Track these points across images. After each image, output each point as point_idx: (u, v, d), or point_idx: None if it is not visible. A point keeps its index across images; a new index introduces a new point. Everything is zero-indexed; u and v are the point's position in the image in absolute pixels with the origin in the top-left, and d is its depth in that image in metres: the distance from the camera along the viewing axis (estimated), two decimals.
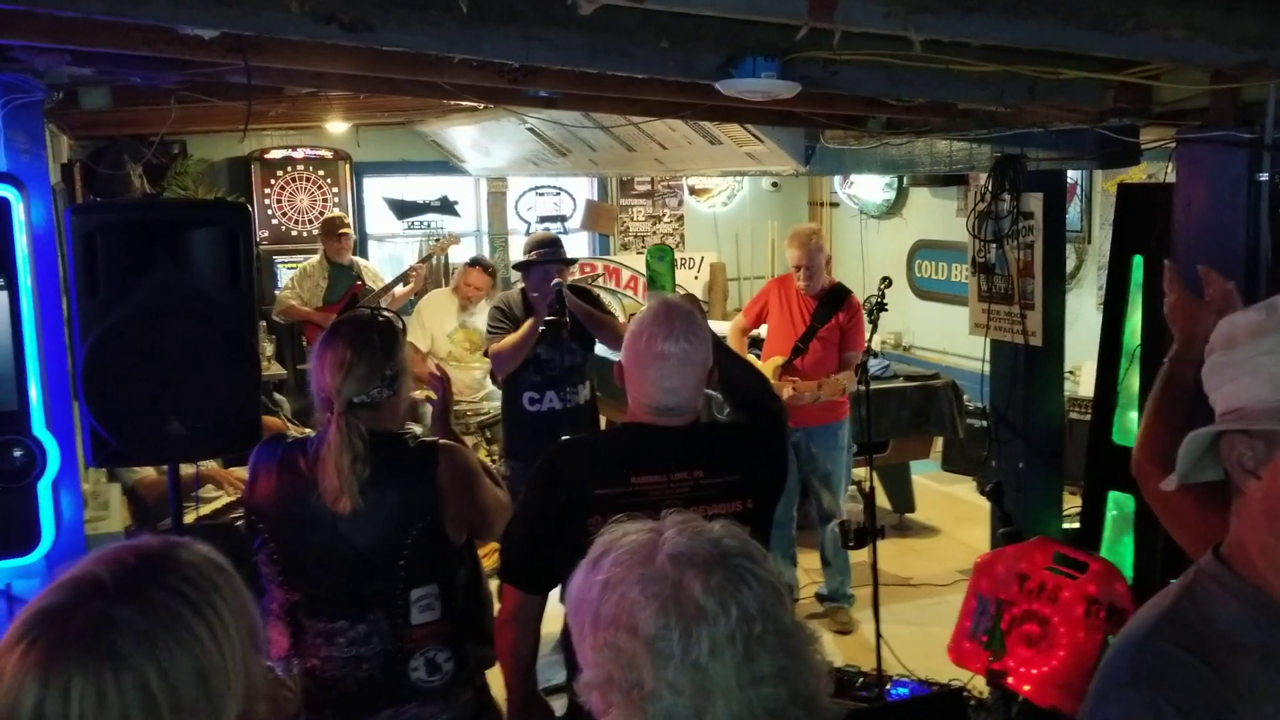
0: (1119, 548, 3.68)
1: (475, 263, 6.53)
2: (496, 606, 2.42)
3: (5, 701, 0.99)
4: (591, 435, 2.43)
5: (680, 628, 1.10)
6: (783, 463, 2.39)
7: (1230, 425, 1.28)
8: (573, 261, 5.08)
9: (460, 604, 2.42)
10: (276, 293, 6.99)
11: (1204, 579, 1.30)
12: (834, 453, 5.00)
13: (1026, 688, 3.16)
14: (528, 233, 9.12)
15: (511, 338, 4.37)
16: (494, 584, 2.55)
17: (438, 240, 7.55)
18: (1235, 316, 1.33)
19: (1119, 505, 3.70)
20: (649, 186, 9.53)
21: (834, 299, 4.95)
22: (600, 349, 4.66)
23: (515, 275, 4.77)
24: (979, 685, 3.91)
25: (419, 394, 6.05)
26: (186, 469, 3.21)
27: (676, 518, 1.22)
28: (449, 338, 6.45)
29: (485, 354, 4.60)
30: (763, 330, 5.28)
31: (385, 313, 2.51)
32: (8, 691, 0.99)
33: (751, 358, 5.13)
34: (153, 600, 1.03)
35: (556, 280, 4.47)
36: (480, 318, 6.57)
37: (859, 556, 4.71)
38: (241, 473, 4.35)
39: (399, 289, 6.84)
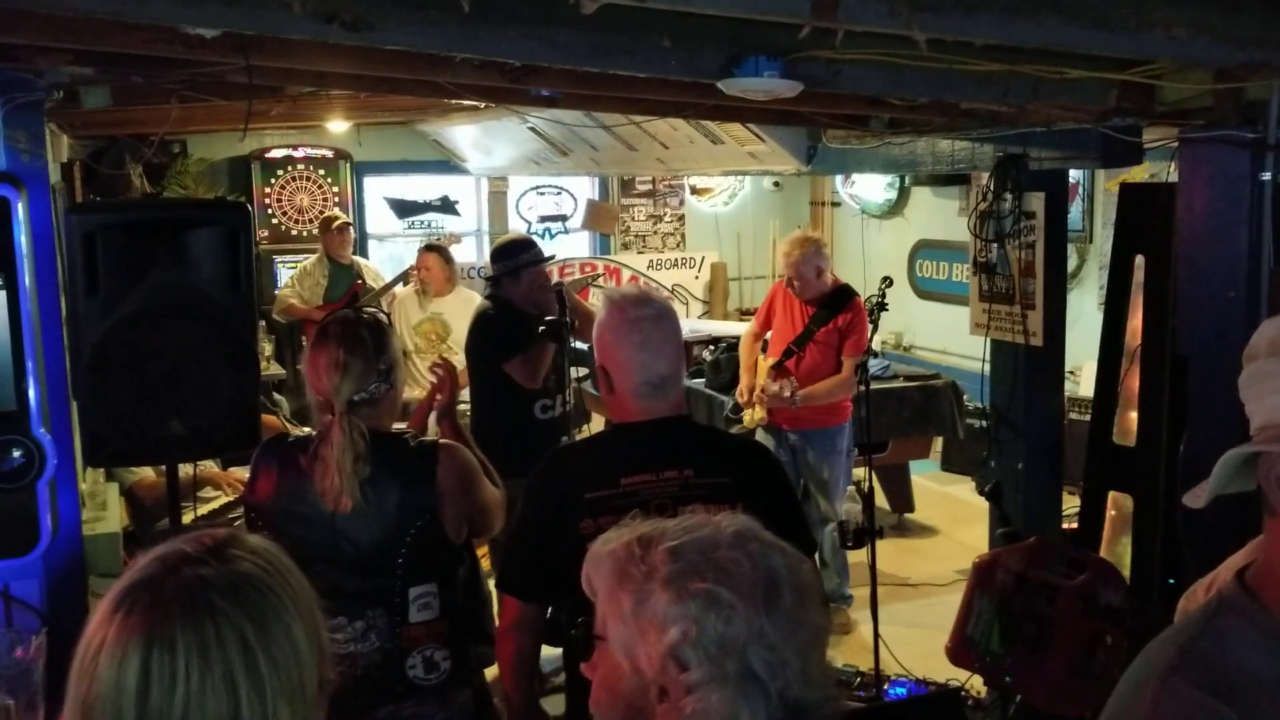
0: (1118, 548, 3.68)
1: (430, 249, 6.50)
2: (495, 605, 2.42)
3: (109, 668, 1.02)
4: (583, 440, 2.41)
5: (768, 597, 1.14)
6: (783, 475, 2.38)
7: (1273, 446, 1.15)
8: (551, 258, 5.05)
9: (459, 603, 2.42)
10: (277, 292, 6.98)
11: (1227, 611, 1.19)
12: (831, 458, 4.94)
13: (1024, 688, 3.16)
14: (528, 233, 9.13)
15: (538, 346, 4.23)
16: (492, 582, 2.54)
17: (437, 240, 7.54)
18: None
19: (1118, 505, 3.69)
20: (650, 186, 9.52)
21: (835, 302, 4.87)
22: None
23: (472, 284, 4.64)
24: (977, 685, 3.91)
25: (416, 393, 6.04)
26: (185, 471, 3.20)
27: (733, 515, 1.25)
28: (414, 329, 6.34)
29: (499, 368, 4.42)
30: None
31: (369, 310, 2.52)
32: (111, 657, 1.02)
33: (761, 359, 5.13)
34: (237, 565, 1.09)
35: (558, 280, 4.46)
36: (447, 310, 6.47)
37: (857, 557, 4.70)
38: (241, 474, 4.35)
39: (399, 289, 6.83)
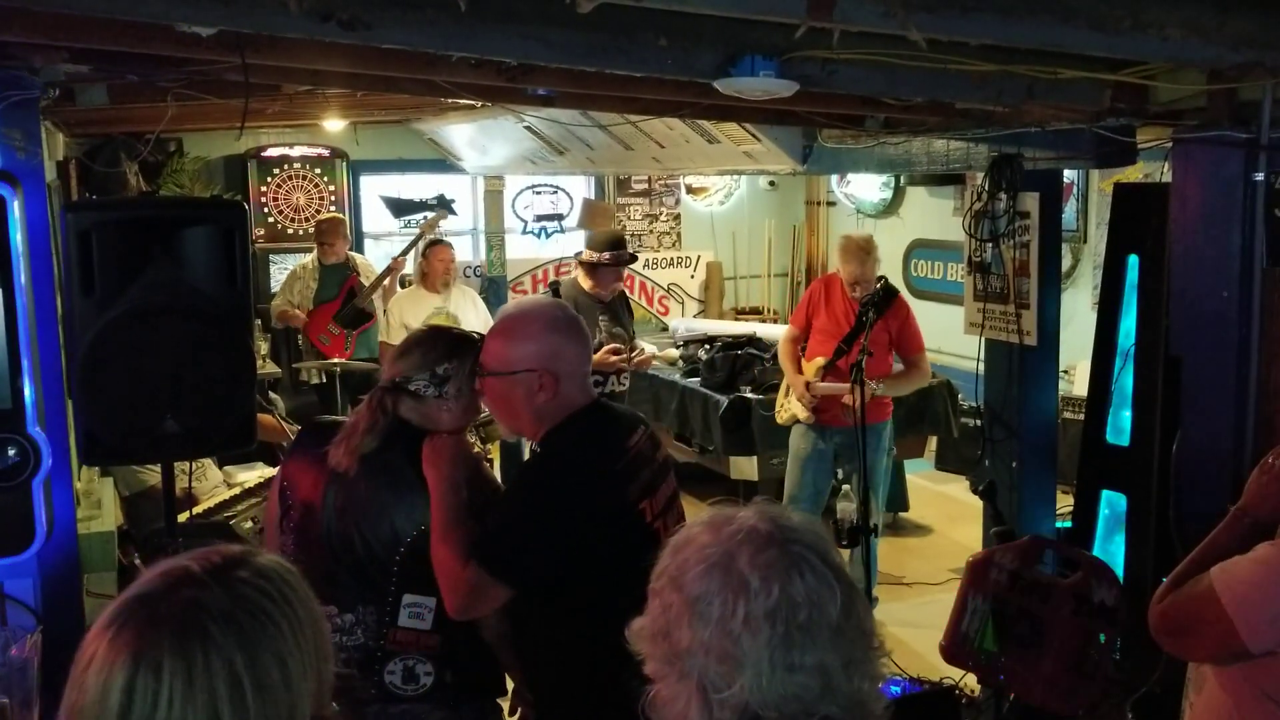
0: (1111, 547, 3.69)
1: (439, 242, 6.60)
2: None
3: (96, 684, 1.02)
4: (576, 428, 2.34)
5: (721, 595, 1.16)
6: None
7: None
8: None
9: (463, 627, 2.32)
10: (272, 302, 6.94)
11: None
12: (878, 455, 4.95)
13: (1018, 686, 3.17)
14: (524, 232, 9.13)
15: None
16: None
17: (425, 219, 7.45)
18: None
19: (1111, 504, 3.71)
20: (646, 185, 9.52)
21: (881, 300, 4.77)
22: None
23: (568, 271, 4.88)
24: (971, 684, 3.92)
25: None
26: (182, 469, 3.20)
27: (762, 506, 1.27)
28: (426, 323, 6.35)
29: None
30: None
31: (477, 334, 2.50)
32: (99, 673, 1.02)
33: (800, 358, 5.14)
34: (239, 590, 1.08)
35: (555, 279, 4.49)
36: (452, 304, 6.45)
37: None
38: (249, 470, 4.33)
39: (386, 281, 6.78)
